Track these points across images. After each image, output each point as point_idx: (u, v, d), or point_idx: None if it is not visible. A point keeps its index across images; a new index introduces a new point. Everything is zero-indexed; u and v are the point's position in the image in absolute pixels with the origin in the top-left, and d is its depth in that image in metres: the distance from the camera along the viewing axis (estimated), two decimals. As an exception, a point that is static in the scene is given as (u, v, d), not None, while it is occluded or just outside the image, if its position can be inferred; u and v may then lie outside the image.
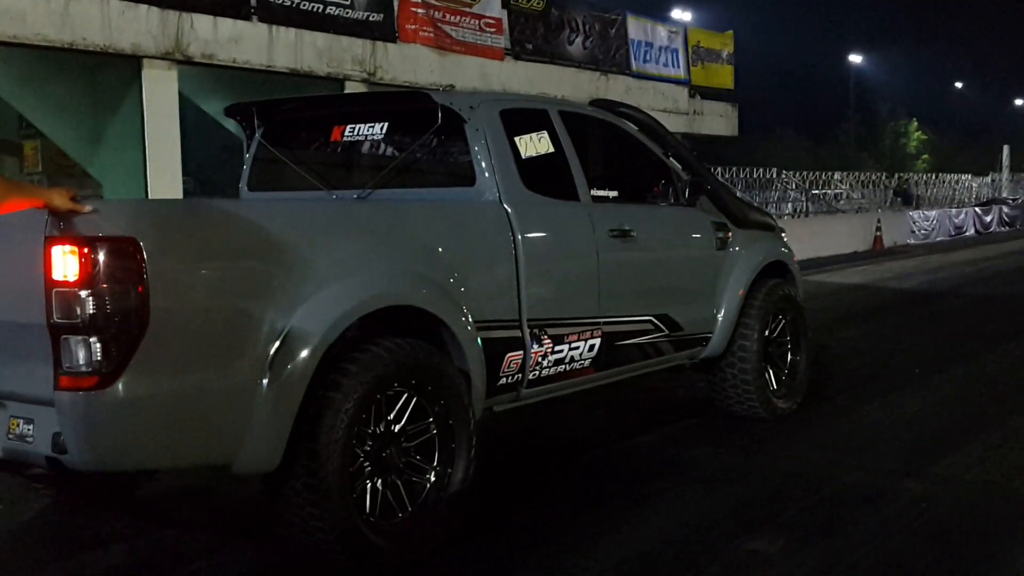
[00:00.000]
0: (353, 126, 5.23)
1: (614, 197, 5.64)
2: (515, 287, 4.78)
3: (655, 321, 5.69)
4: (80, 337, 3.36)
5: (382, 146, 5.23)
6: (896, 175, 48.32)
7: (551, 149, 5.23)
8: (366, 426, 4.03)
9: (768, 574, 4.04)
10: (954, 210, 30.63)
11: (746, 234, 6.49)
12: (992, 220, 31.53)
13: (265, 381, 3.69)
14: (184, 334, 3.53)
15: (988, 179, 53.58)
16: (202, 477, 5.38)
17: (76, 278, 3.34)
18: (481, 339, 4.53)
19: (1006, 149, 49.85)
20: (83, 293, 3.34)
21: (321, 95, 5.48)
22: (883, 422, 6.60)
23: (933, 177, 50.48)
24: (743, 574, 4.04)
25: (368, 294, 4.06)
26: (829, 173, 43.01)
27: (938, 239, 27.31)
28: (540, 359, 4.90)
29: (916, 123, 74.61)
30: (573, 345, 5.10)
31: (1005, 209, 33.40)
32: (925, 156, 72.38)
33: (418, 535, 4.16)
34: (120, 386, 3.38)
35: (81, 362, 3.37)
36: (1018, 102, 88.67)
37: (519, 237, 4.80)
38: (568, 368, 5.11)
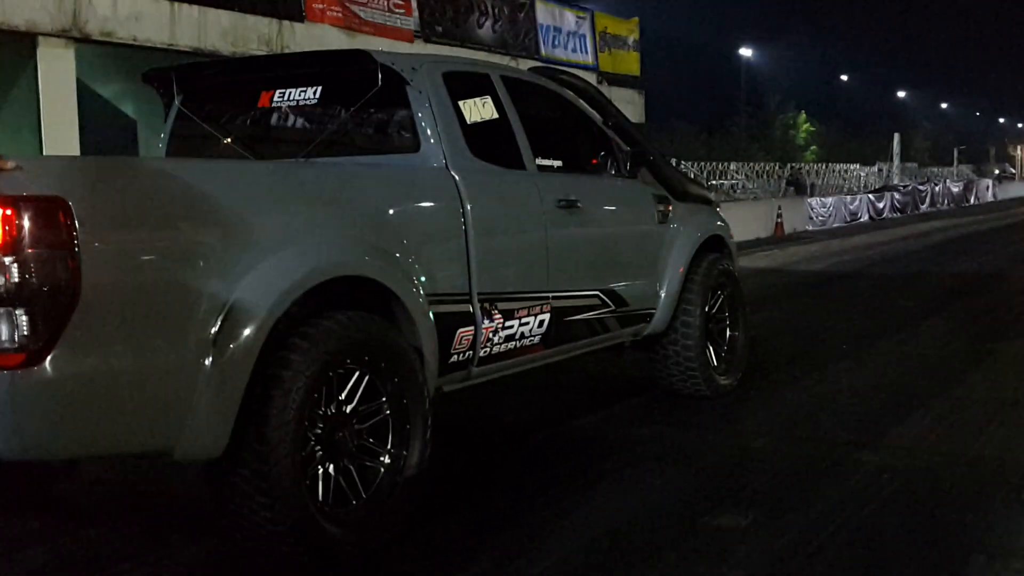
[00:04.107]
0: (284, 90, 4.88)
1: (558, 167, 5.42)
2: (464, 259, 4.52)
3: (602, 296, 5.49)
4: (3, 310, 2.98)
5: (316, 112, 4.89)
6: (789, 165, 49.61)
7: (495, 115, 4.98)
8: (317, 407, 3.72)
9: (745, 549, 3.87)
10: (849, 197, 31.37)
11: (686, 207, 6.36)
12: (885, 207, 32.39)
13: (208, 359, 3.35)
14: (120, 307, 3.17)
15: (875, 168, 55.41)
16: (124, 471, 5.00)
17: (-3, 243, 2.96)
18: (432, 314, 4.26)
19: (896, 137, 51.44)
20: (6, 260, 2.96)
21: (249, 57, 5.10)
22: (823, 395, 6.55)
23: (823, 167, 51.99)
24: (721, 550, 3.86)
25: (317, 263, 3.74)
26: (725, 163, 43.89)
27: (835, 225, 27.89)
28: (491, 335, 4.65)
29: (804, 115, 76.68)
30: (523, 321, 4.86)
31: (896, 196, 34.35)
32: (813, 147, 74.44)
33: (374, 523, 3.87)
34: (48, 365, 3.01)
35: (4, 338, 2.98)
36: (900, 94, 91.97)
37: (468, 206, 4.54)
38: (518, 345, 4.87)
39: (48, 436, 3.08)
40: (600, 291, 5.47)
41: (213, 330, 3.37)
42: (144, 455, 3.44)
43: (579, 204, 5.28)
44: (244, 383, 3.43)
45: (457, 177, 4.54)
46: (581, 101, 5.89)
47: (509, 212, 4.88)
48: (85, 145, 10.93)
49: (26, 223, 2.98)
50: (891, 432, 5.55)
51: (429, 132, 4.56)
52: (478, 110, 4.87)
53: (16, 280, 2.97)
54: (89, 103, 11.83)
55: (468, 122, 4.76)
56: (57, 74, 10.52)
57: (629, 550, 3.92)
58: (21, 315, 2.98)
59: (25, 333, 2.98)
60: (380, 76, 4.51)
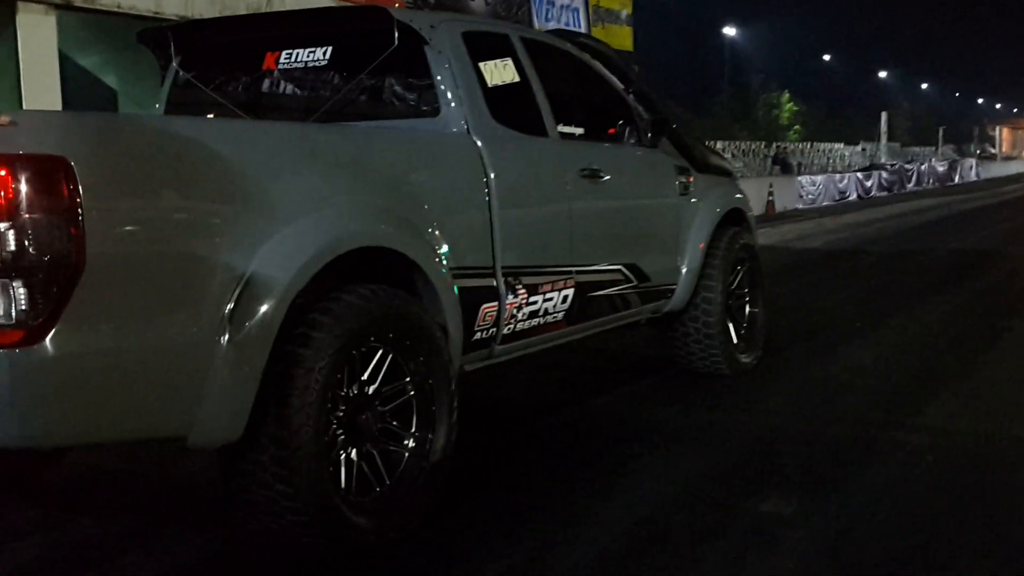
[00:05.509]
0: (291, 51, 4.57)
1: (580, 135, 5.15)
2: (488, 230, 4.24)
3: (624, 271, 5.23)
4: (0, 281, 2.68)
5: (326, 74, 4.58)
6: (774, 145, 49.50)
7: (516, 78, 4.69)
8: (339, 388, 3.44)
9: (795, 537, 3.62)
10: (838, 176, 31.22)
11: (707, 179, 6.10)
12: (872, 185, 32.28)
13: (224, 337, 3.06)
14: (128, 279, 2.88)
15: (859, 148, 55.41)
16: (117, 455, 4.70)
17: (-8, 207, 2.66)
18: (456, 288, 3.99)
19: (884, 116, 51.29)
20: (2, 226, 2.67)
21: (252, 14, 4.78)
22: (845, 374, 6.31)
23: (808, 146, 51.90)
24: (769, 538, 3.62)
25: (339, 233, 3.45)
26: (711, 142, 43.68)
27: (824, 203, 27.74)
28: (515, 311, 4.38)
29: (788, 94, 76.47)
30: (547, 296, 4.59)
31: (884, 174, 34.25)
32: (796, 127, 74.28)
33: (399, 511, 3.60)
34: (49, 343, 2.72)
35: (1, 313, 2.69)
36: (881, 74, 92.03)
37: (492, 175, 4.26)
38: (542, 322, 4.61)
39: (50, 422, 2.79)
40: (623, 266, 5.21)
41: (229, 306, 3.08)
42: (155, 442, 3.16)
43: (601, 174, 5.01)
44: (263, 362, 3.15)
45: (480, 143, 4.26)
46: (601, 66, 5.60)
47: (533, 181, 4.61)
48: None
49: (23, 186, 2.68)
50: (923, 412, 5.32)
51: (450, 95, 4.27)
52: (499, 72, 4.58)
53: (12, 249, 2.68)
54: (69, 73, 11.39)
55: (489, 85, 4.47)
56: (38, 42, 10.06)
57: (670, 539, 3.66)
58: (19, 288, 2.69)
59: (23, 308, 2.69)
60: (396, 35, 4.21)
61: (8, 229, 2.67)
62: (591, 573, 3.42)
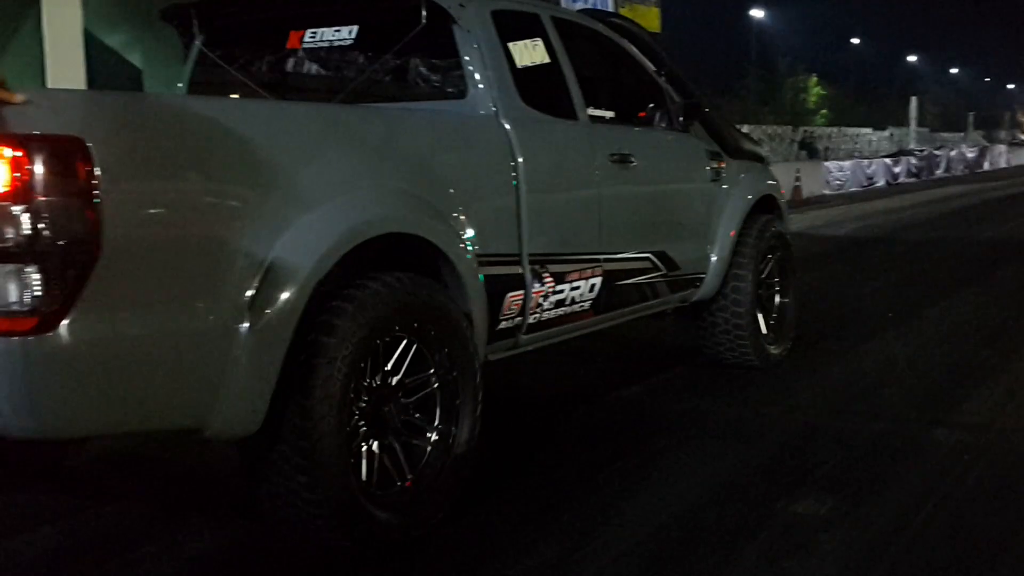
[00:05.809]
0: (316, 29, 4.46)
1: (610, 118, 5.01)
2: (515, 216, 4.13)
3: (653, 259, 5.10)
4: (12, 266, 2.59)
5: (351, 53, 4.46)
6: (801, 129, 49.02)
7: (546, 59, 4.56)
8: (362, 378, 3.34)
9: (831, 541, 3.50)
10: (866, 161, 30.85)
11: (738, 165, 5.95)
12: (901, 171, 31.87)
13: (244, 325, 2.96)
14: (145, 265, 2.78)
15: (887, 133, 54.83)
16: (139, 443, 4.62)
17: (6, 189, 2.56)
18: (482, 276, 3.88)
19: (914, 101, 50.71)
20: (15, 209, 2.57)
21: (277, -8, 4.67)
22: (879, 367, 6.16)
23: (835, 131, 51.40)
24: (803, 541, 3.49)
25: (364, 217, 3.35)
26: (738, 126, 43.29)
27: (852, 189, 27.40)
28: (541, 300, 4.26)
29: (815, 78, 75.70)
30: (574, 285, 4.47)
31: (913, 160, 33.81)
32: (824, 111, 73.56)
33: (421, 505, 3.51)
34: (64, 330, 2.62)
35: (13, 299, 2.60)
36: (910, 58, 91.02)
37: (520, 159, 4.14)
38: (568, 311, 4.49)
39: (64, 412, 2.70)
40: (652, 253, 5.08)
41: (249, 292, 2.98)
42: (171, 432, 3.07)
43: (632, 159, 4.88)
44: (283, 351, 3.05)
45: (508, 126, 4.14)
46: (633, 47, 5.46)
47: (562, 166, 4.48)
48: (92, 95, 10.40)
49: (38, 167, 2.58)
50: (961, 408, 5.17)
51: (478, 76, 4.15)
52: (528, 53, 4.45)
53: (27, 233, 2.58)
54: (94, 52, 11.31)
55: (518, 66, 4.34)
56: (63, 20, 9.96)
57: (702, 539, 3.54)
58: (33, 273, 2.59)
59: (37, 294, 2.60)
60: (424, 13, 4.08)
61: (22, 212, 2.58)
62: (623, 572, 3.31)
